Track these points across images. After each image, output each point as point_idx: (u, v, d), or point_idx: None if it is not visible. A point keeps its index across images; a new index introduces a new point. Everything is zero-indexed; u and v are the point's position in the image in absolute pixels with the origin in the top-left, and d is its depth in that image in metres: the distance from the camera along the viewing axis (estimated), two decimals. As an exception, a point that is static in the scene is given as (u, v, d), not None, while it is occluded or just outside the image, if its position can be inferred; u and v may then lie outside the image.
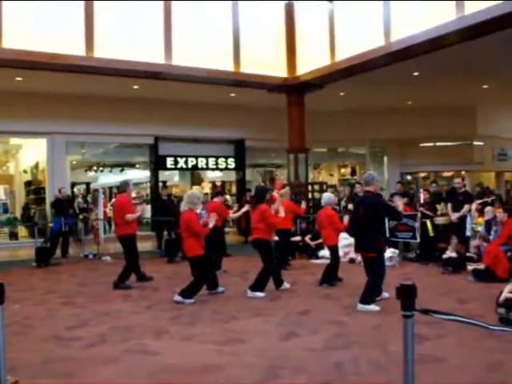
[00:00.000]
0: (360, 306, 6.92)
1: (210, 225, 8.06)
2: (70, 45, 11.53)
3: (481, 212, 11.19)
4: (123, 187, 9.39)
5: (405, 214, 11.31)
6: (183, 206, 7.88)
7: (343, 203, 13.03)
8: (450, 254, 10.01)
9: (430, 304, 5.98)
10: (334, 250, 8.98)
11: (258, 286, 8.07)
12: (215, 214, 8.30)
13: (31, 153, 18.56)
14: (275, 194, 10.04)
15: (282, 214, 8.73)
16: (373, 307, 6.89)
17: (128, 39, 12.17)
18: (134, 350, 5.36)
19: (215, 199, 10.23)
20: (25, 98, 14.59)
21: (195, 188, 19.16)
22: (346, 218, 9.38)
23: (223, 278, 9.18)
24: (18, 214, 17.93)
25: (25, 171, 19.43)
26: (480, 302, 7.25)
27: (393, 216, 8.84)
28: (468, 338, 5.31)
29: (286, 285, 8.59)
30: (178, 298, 7.61)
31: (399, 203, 8.39)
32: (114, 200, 19.71)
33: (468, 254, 10.07)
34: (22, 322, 6.56)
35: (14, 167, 20.50)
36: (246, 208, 9.43)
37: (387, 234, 11.47)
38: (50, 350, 5.40)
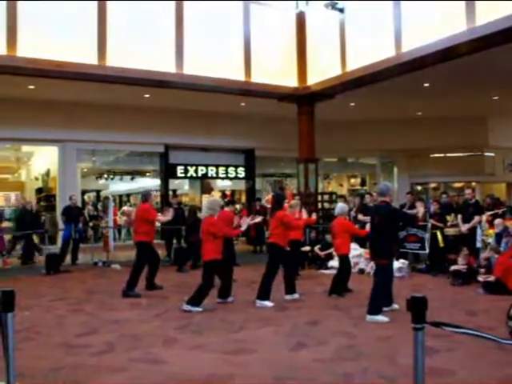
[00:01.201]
0: (369, 318, 6.90)
1: (243, 227, 8.71)
2: (83, 53, 11.61)
3: (491, 223, 11.12)
4: (145, 197, 9.73)
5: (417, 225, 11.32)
6: (204, 213, 8.21)
7: (353, 213, 12.99)
8: (459, 265, 9.94)
9: (440, 316, 5.95)
10: (344, 259, 8.97)
11: (263, 294, 8.11)
12: (249, 218, 8.61)
13: (42, 160, 18.70)
14: (286, 204, 10.07)
15: (313, 216, 9.61)
16: (382, 318, 6.86)
17: (140, 48, 12.24)
18: (142, 358, 5.36)
19: (226, 208, 10.26)
20: (37, 106, 14.74)
21: (205, 197, 19.23)
22: (368, 226, 9.39)
23: (233, 287, 9.17)
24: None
25: (36, 178, 19.56)
26: (490, 314, 7.19)
27: (408, 221, 9.37)
28: (478, 351, 5.27)
29: (295, 295, 8.58)
30: (186, 306, 7.62)
31: (421, 209, 8.92)
32: (123, 208, 20.00)
33: (476, 267, 10.01)
34: (31, 329, 6.59)
35: (25, 174, 20.65)
36: (258, 219, 9.46)
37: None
38: (59, 358, 5.41)
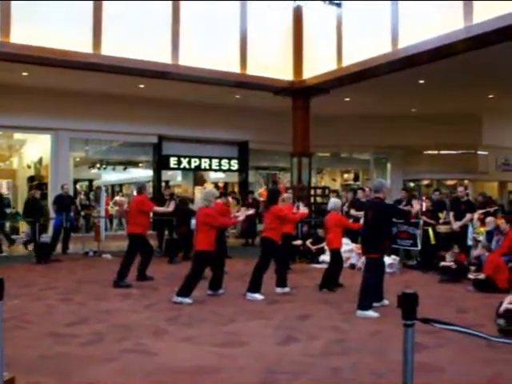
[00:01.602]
0: (359, 313, 6.91)
1: (241, 218, 8.78)
2: (78, 42, 11.54)
3: (483, 221, 11.16)
4: (140, 189, 9.93)
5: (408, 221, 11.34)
6: (199, 203, 8.33)
7: (345, 208, 12.99)
8: (448, 262, 9.98)
9: (429, 313, 5.95)
10: (336, 253, 8.99)
11: (253, 286, 8.12)
12: (245, 208, 8.65)
13: (35, 148, 18.57)
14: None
15: (305, 210, 9.38)
16: (371, 313, 6.88)
17: (135, 38, 12.18)
18: (132, 349, 5.35)
19: (218, 200, 10.22)
20: (30, 94, 14.63)
21: (197, 188, 19.19)
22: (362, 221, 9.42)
23: (224, 279, 9.17)
24: (20, 208, 17.90)
25: (28, 166, 19.43)
26: (480, 312, 7.22)
27: (402, 216, 9.79)
28: (467, 348, 5.29)
29: (286, 289, 8.59)
30: (176, 298, 7.61)
31: (417, 206, 9.58)
32: (116, 198, 19.93)
33: (467, 264, 10.05)
34: (21, 318, 6.56)
35: (17, 162, 20.49)
36: (250, 211, 9.44)
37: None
38: (48, 347, 5.39)
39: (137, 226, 9.33)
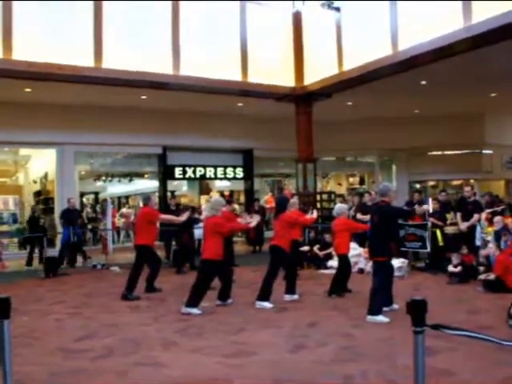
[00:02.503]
0: (369, 318, 6.88)
1: (253, 223, 8.80)
2: (79, 56, 11.59)
3: (490, 221, 11.09)
4: (146, 200, 9.96)
5: (414, 223, 11.30)
6: (207, 213, 8.41)
7: (352, 212, 12.94)
8: (454, 263, 9.91)
9: (440, 315, 5.93)
10: (344, 259, 8.96)
11: (263, 295, 8.08)
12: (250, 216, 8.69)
13: (40, 163, 18.65)
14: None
15: (314, 215, 9.32)
16: (382, 318, 6.84)
17: (136, 50, 12.22)
18: (142, 362, 5.34)
19: (224, 208, 10.24)
20: (34, 109, 14.69)
21: (203, 197, 19.20)
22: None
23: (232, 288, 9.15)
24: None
25: (34, 181, 19.51)
26: (490, 313, 7.17)
27: (405, 215, 9.86)
28: (478, 352, 5.23)
29: (295, 296, 8.55)
30: (185, 309, 7.59)
31: (425, 206, 10.15)
32: (122, 210, 19.96)
33: (476, 265, 9.99)
34: (30, 335, 6.55)
35: (23, 177, 20.59)
36: (255, 221, 9.41)
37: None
38: (57, 363, 5.38)
39: (144, 237, 9.33)
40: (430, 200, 10.75)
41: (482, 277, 9.19)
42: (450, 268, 9.93)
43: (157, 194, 18.02)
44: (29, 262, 13.86)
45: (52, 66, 11.23)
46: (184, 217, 10.11)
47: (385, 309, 7.10)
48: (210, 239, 7.78)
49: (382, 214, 7.30)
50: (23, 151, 18.59)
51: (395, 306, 7.32)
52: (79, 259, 13.99)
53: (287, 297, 8.50)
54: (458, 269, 9.74)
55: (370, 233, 7.61)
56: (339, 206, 9.52)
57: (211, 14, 13.13)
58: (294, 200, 10.69)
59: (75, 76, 11.65)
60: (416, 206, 11.16)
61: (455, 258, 9.98)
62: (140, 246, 9.36)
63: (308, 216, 9.47)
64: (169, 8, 12.62)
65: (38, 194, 18.84)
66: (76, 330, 6.76)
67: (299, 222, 8.81)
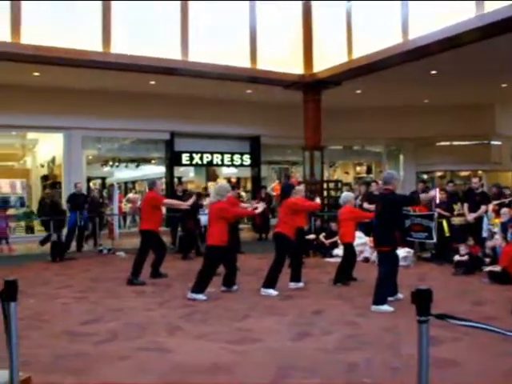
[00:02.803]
0: (373, 307, 6.87)
1: (260, 209, 8.74)
2: (88, 40, 11.58)
3: (497, 213, 11.05)
4: (151, 185, 9.95)
5: (421, 214, 11.25)
6: (212, 198, 8.28)
7: (358, 201, 12.91)
8: (461, 254, 9.88)
9: (445, 306, 5.92)
10: (349, 247, 8.96)
11: (268, 282, 8.08)
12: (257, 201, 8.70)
13: (48, 147, 18.69)
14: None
15: (317, 200, 9.51)
16: (386, 308, 6.84)
17: (145, 35, 12.19)
18: (147, 347, 5.36)
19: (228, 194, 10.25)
20: (42, 93, 14.71)
21: (210, 184, 19.20)
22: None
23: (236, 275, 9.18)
24: (35, 207, 18.06)
25: (41, 165, 19.58)
26: (496, 304, 7.16)
27: (410, 202, 9.42)
28: (484, 342, 5.23)
29: (300, 284, 8.56)
30: (190, 295, 7.63)
31: (433, 192, 9.78)
32: (129, 195, 20.01)
33: (482, 256, 9.96)
34: (36, 317, 6.60)
35: (30, 161, 20.66)
36: (261, 207, 9.39)
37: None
38: (63, 346, 5.42)
39: (149, 222, 9.35)
40: (438, 189, 10.67)
41: (487, 268, 9.15)
42: (457, 257, 9.90)
43: (164, 179, 18.04)
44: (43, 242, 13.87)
45: (59, 50, 11.22)
46: (189, 202, 10.14)
47: (389, 298, 7.10)
48: (215, 225, 7.78)
49: (385, 202, 7.23)
50: (31, 135, 18.65)
51: (400, 296, 7.33)
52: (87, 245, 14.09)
53: (292, 284, 8.52)
54: (465, 257, 9.72)
55: (375, 222, 7.58)
56: (345, 195, 9.51)
57: (221, 1, 13.05)
58: (300, 187, 10.68)
59: (83, 61, 11.64)
60: (432, 191, 11.04)
61: (463, 249, 9.95)
62: (145, 230, 9.39)
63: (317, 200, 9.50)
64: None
65: (45, 178, 18.91)
66: (82, 314, 6.81)
67: (302, 208, 8.78)
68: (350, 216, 8.92)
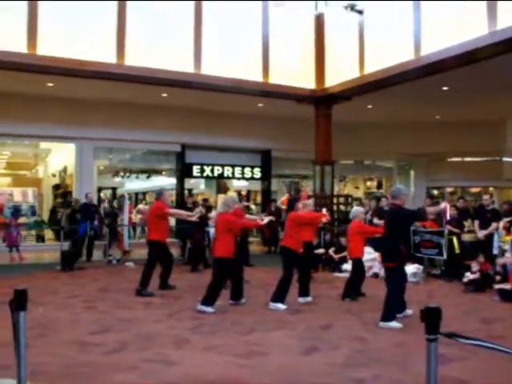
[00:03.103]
0: (381, 324, 6.83)
1: (265, 221, 8.63)
2: (102, 52, 11.70)
3: (508, 230, 10.97)
4: (158, 196, 9.94)
5: (431, 230, 11.20)
6: (219, 209, 8.27)
7: (369, 216, 12.88)
8: (473, 272, 9.81)
9: (454, 324, 5.89)
10: (357, 262, 8.92)
11: (277, 296, 8.05)
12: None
13: (60, 157, 18.86)
14: (300, 205, 10.04)
15: (323, 211, 9.68)
16: (395, 324, 6.80)
17: (159, 48, 12.29)
18: (154, 358, 5.36)
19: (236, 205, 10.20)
20: (55, 104, 14.88)
21: (220, 196, 19.21)
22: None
23: (245, 288, 9.16)
24: (46, 217, 18.18)
25: (53, 175, 19.73)
26: (506, 322, 7.11)
27: (418, 217, 8.37)
28: (493, 361, 5.17)
29: (308, 298, 8.53)
30: (200, 307, 7.62)
31: (443, 205, 9.10)
32: (139, 206, 20.07)
33: (492, 273, 9.89)
34: (45, 326, 6.62)
35: (42, 171, 20.84)
36: (267, 218, 9.39)
37: (412, 250, 11.30)
38: (71, 356, 5.43)
39: (155, 232, 9.36)
40: (447, 202, 10.59)
41: (497, 286, 9.07)
42: (468, 274, 9.82)
43: (174, 191, 18.11)
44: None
45: (75, 62, 11.34)
46: (195, 213, 10.11)
47: (398, 315, 7.05)
48: (222, 237, 7.79)
49: (393, 217, 7.18)
50: (43, 145, 18.82)
51: (408, 312, 7.26)
52: (96, 254, 14.13)
53: (301, 299, 8.47)
54: (477, 275, 9.64)
55: (382, 237, 7.52)
56: (355, 209, 9.49)
57: (233, 14, 13.17)
58: (309, 201, 10.68)
59: (97, 72, 11.77)
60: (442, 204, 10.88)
61: (475, 265, 9.88)
62: (151, 241, 9.39)
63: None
64: (191, 8, 12.69)
65: (56, 187, 19.03)
66: (90, 324, 6.82)
67: (305, 220, 8.64)
68: (359, 231, 8.88)
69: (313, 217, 9.37)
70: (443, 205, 9.17)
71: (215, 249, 7.96)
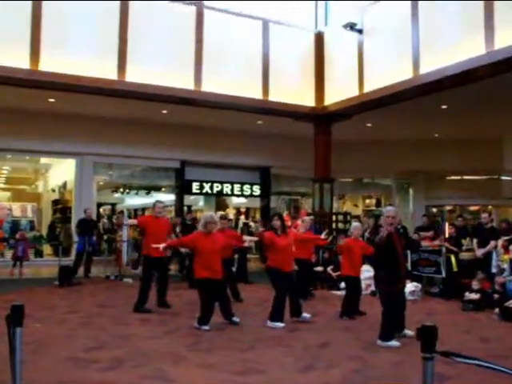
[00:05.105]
0: (379, 342, 6.81)
1: (246, 244, 8.77)
2: (103, 69, 11.76)
3: (507, 249, 10.98)
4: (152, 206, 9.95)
5: (429, 249, 11.22)
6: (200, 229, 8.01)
7: (367, 235, 12.89)
8: (473, 289, 9.79)
9: (452, 342, 5.87)
10: (348, 280, 8.96)
11: (273, 315, 7.99)
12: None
13: (60, 172, 18.88)
14: (299, 221, 10.06)
15: (323, 235, 9.74)
16: (393, 343, 6.77)
17: (159, 65, 12.36)
18: (150, 375, 5.34)
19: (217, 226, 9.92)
20: (56, 119, 14.92)
21: (219, 213, 19.20)
22: None
23: (242, 306, 9.16)
24: (44, 232, 18.16)
25: (53, 190, 19.74)
26: (505, 342, 7.08)
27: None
28: (490, 380, 5.16)
29: (306, 316, 8.44)
30: (196, 325, 7.60)
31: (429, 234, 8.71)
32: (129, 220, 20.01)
33: (491, 292, 9.86)
34: (42, 342, 6.59)
35: (42, 186, 20.85)
36: (249, 239, 9.37)
37: (409, 268, 11.29)
38: (67, 372, 5.40)
39: (144, 247, 9.37)
40: (447, 224, 10.64)
41: (505, 304, 8.96)
42: (468, 294, 9.79)
43: (173, 207, 18.11)
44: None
45: (76, 78, 11.39)
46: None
47: (397, 335, 6.99)
48: (196, 256, 7.81)
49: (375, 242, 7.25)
50: (44, 160, 18.85)
51: (408, 332, 7.11)
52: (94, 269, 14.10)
53: (295, 319, 8.35)
54: (477, 296, 9.61)
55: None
56: (352, 225, 9.52)
57: (234, 32, 13.27)
58: (308, 218, 10.70)
59: (98, 88, 11.80)
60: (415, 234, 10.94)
61: (475, 284, 9.86)
62: (142, 255, 9.37)
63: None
64: (192, 24, 12.77)
65: (55, 202, 19.04)
66: (87, 340, 6.79)
67: (267, 242, 8.32)
68: (345, 248, 8.96)
69: (305, 238, 9.49)
70: (430, 234, 9.10)
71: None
